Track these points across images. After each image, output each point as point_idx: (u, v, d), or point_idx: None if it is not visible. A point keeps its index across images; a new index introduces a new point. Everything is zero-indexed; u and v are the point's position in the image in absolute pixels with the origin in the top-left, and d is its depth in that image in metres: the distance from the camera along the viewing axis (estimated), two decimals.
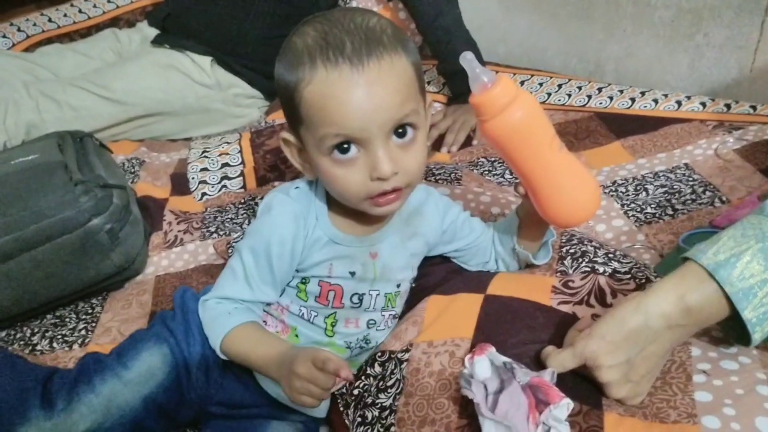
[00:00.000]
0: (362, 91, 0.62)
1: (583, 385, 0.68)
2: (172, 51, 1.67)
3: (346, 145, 0.65)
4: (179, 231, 1.23)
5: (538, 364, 0.70)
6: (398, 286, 0.83)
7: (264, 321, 0.80)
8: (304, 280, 0.77)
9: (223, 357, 0.76)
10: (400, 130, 0.66)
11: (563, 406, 0.58)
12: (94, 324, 1.04)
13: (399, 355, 0.79)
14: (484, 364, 0.64)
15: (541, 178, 0.73)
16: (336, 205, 0.75)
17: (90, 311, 1.07)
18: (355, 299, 0.79)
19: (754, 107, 1.33)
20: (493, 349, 0.66)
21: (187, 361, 0.80)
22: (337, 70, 0.62)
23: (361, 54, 0.63)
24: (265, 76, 1.72)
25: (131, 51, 1.80)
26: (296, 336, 0.80)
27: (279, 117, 1.63)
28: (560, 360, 0.66)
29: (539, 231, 0.84)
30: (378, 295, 0.80)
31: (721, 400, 0.64)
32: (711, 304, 0.62)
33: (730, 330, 0.66)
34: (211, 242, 1.18)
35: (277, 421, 0.81)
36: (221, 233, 1.20)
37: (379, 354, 0.81)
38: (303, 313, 0.79)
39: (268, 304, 0.80)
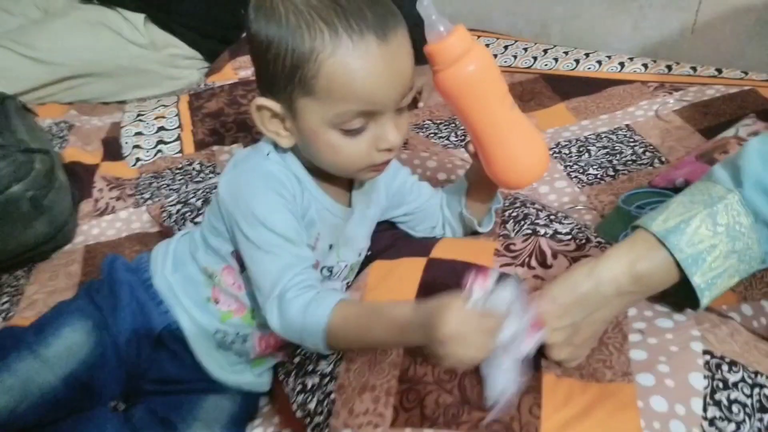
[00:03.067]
0: (389, 66, 0.60)
1: None
2: (101, 7, 1.58)
3: (361, 119, 0.63)
4: (111, 198, 1.17)
5: None
6: (359, 255, 0.82)
7: (215, 299, 0.76)
8: None
9: (328, 352, 0.68)
10: (404, 101, 0.65)
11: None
12: (18, 297, 0.98)
13: None
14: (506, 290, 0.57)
15: (491, 135, 0.72)
16: (315, 173, 0.72)
17: (14, 283, 1.01)
18: (326, 271, 0.77)
19: (694, 68, 1.35)
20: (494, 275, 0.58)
21: (115, 337, 0.75)
22: (364, 42, 0.59)
23: (384, 24, 0.60)
24: (205, 35, 1.65)
25: (57, 7, 1.69)
26: (252, 317, 0.76)
27: (220, 79, 1.57)
28: None
29: (487, 196, 0.83)
30: (345, 266, 0.79)
31: (656, 357, 0.65)
32: (661, 271, 0.62)
33: (677, 295, 0.66)
34: (145, 209, 1.13)
35: (214, 395, 0.77)
36: (156, 199, 1.15)
37: None
38: None
39: (211, 277, 0.75)
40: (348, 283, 0.83)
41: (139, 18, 1.57)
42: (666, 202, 0.67)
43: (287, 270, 0.65)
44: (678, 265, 0.62)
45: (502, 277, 0.58)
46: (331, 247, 0.76)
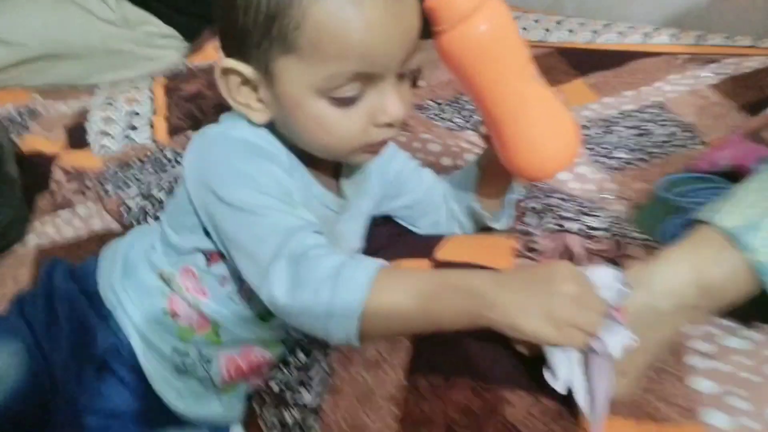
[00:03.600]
0: (394, 15, 0.50)
1: None
2: None
3: (357, 84, 0.51)
4: (69, 191, 1.03)
5: (502, 346, 0.56)
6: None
7: (173, 311, 0.62)
8: None
9: (357, 343, 0.47)
10: (408, 64, 0.53)
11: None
12: None
13: None
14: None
15: (507, 112, 0.58)
16: (297, 155, 0.59)
17: None
18: None
19: (728, 38, 1.20)
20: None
21: (50, 362, 0.63)
22: None
23: None
24: (183, 11, 1.50)
25: None
26: (216, 335, 0.63)
27: (201, 59, 1.44)
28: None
29: (502, 186, 0.70)
30: None
31: (728, 388, 0.52)
32: (735, 279, 0.49)
33: (750, 305, 0.53)
34: (103, 203, 0.99)
35: (174, 430, 0.64)
36: (120, 192, 1.01)
37: (303, 337, 0.67)
38: (231, 295, 0.61)
39: (168, 283, 0.62)
40: None
41: None
42: (730, 192, 0.53)
43: (298, 230, 0.50)
44: (757, 270, 0.48)
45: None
46: None
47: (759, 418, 0.49)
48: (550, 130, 0.60)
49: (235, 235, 0.53)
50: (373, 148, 0.57)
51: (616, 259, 0.65)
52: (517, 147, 0.61)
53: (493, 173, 0.68)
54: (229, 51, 0.55)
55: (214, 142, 0.57)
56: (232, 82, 0.54)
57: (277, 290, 0.48)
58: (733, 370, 0.53)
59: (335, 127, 0.53)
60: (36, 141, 1.17)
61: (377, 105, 0.53)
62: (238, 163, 0.54)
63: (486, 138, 0.65)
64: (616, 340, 0.45)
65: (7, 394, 0.61)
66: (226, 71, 0.54)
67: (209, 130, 0.59)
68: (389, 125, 0.54)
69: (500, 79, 0.58)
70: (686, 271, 0.50)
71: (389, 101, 0.53)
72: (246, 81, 0.54)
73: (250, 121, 0.58)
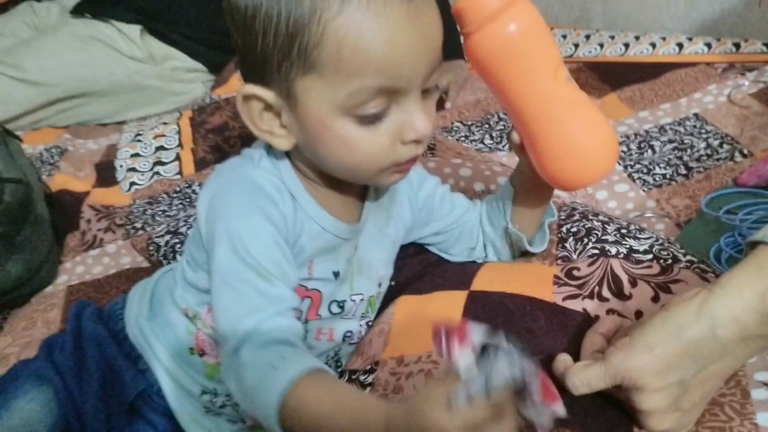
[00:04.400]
0: (416, 28, 0.48)
1: (607, 411, 0.52)
2: (94, 21, 1.47)
3: (381, 100, 0.49)
4: (99, 230, 1.03)
5: (547, 380, 0.52)
6: (379, 285, 0.68)
7: (200, 349, 0.61)
8: None
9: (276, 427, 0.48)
10: (431, 80, 0.52)
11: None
12: None
13: (362, 378, 0.62)
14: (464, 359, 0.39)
15: (540, 116, 0.56)
16: (310, 182, 0.58)
17: None
18: (335, 307, 0.62)
19: (767, 45, 1.16)
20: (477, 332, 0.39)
21: (80, 407, 0.61)
22: None
23: None
24: (208, 45, 1.52)
25: (49, 24, 1.58)
26: None
27: (227, 91, 1.44)
28: (585, 378, 0.49)
29: (539, 203, 0.67)
30: (362, 300, 0.65)
31: None
32: None
33: None
34: (131, 240, 0.98)
35: None
36: (149, 229, 1.00)
37: (338, 375, 0.64)
38: None
39: (193, 321, 0.61)
40: (368, 322, 0.67)
41: (135, 30, 1.45)
42: None
43: (249, 315, 0.50)
44: None
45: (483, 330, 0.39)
46: (337, 275, 0.61)
47: None
48: (587, 134, 0.57)
49: (213, 300, 0.54)
50: (402, 168, 0.55)
51: (664, 283, 0.61)
52: (551, 153, 0.58)
53: (527, 190, 0.66)
54: (250, 78, 0.53)
55: (231, 187, 0.56)
56: (254, 109, 0.53)
57: (228, 383, 0.51)
58: None
59: (361, 146, 0.51)
60: (66, 180, 1.18)
61: (403, 121, 0.51)
62: (237, 223, 0.53)
63: (518, 148, 0.62)
64: (543, 420, 0.39)
65: None
66: (248, 98, 0.52)
67: (232, 171, 0.58)
68: (416, 142, 0.52)
69: (532, 80, 0.55)
70: (750, 297, 0.45)
71: (416, 116, 0.51)
72: (268, 107, 0.52)
73: (269, 153, 0.57)
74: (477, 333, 0.38)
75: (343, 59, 0.47)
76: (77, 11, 1.50)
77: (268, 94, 0.52)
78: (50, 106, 1.44)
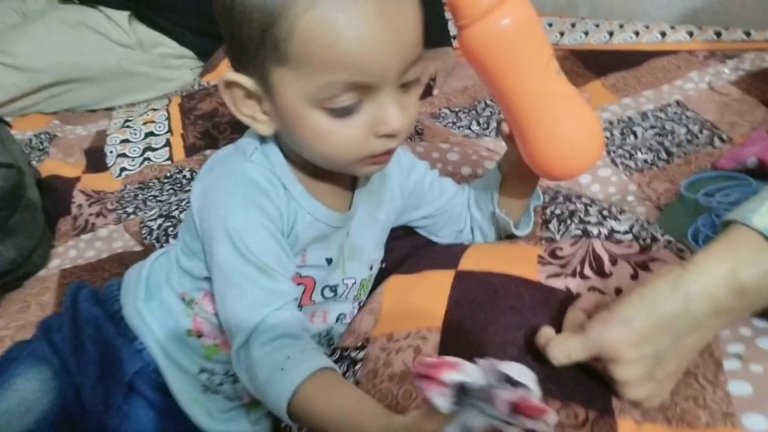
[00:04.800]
0: (387, 22, 0.48)
1: (586, 381, 0.54)
2: (82, 6, 1.47)
3: (352, 94, 0.50)
4: (90, 214, 1.04)
5: (530, 354, 0.56)
6: (371, 268, 0.70)
7: (198, 331, 0.63)
8: None
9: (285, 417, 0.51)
10: (408, 75, 0.52)
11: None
12: None
13: (353, 354, 0.64)
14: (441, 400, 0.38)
15: (531, 108, 0.58)
16: (301, 173, 0.59)
17: None
18: (328, 292, 0.64)
19: (747, 33, 1.19)
20: (459, 369, 0.38)
21: (78, 386, 0.62)
22: None
23: None
24: (197, 31, 1.52)
25: (37, 10, 1.58)
26: None
27: (216, 78, 1.44)
28: (566, 349, 0.51)
29: (526, 190, 0.69)
30: (354, 283, 0.67)
31: (765, 391, 0.50)
32: None
33: None
34: (123, 225, 0.99)
35: None
36: (141, 214, 1.01)
37: (330, 353, 0.66)
38: None
39: (190, 305, 0.63)
40: (360, 303, 0.69)
41: (123, 16, 1.45)
42: (763, 189, 0.51)
43: (256, 310, 0.52)
44: None
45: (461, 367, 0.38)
46: (330, 261, 0.63)
47: None
48: (575, 127, 0.59)
49: (216, 296, 0.57)
50: (377, 159, 0.55)
51: (643, 262, 0.64)
52: (540, 144, 0.60)
53: (515, 177, 0.68)
54: (234, 65, 0.55)
55: (225, 183, 0.57)
56: (237, 95, 0.54)
57: (240, 376, 0.54)
58: (767, 371, 0.51)
59: (333, 137, 0.52)
60: (56, 165, 1.18)
61: (377, 116, 0.51)
62: (234, 221, 0.55)
63: (508, 138, 0.64)
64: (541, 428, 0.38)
65: (38, 421, 0.61)
66: (230, 84, 0.53)
67: (225, 165, 0.59)
68: (390, 136, 0.53)
69: (523, 73, 0.57)
70: (722, 273, 0.47)
71: (388, 112, 0.51)
72: (250, 94, 0.54)
73: (262, 145, 0.58)
74: (454, 372, 0.37)
75: (312, 54, 0.48)
76: None
77: (248, 82, 0.53)
78: (39, 92, 1.44)
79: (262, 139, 0.59)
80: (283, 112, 0.52)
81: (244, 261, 0.53)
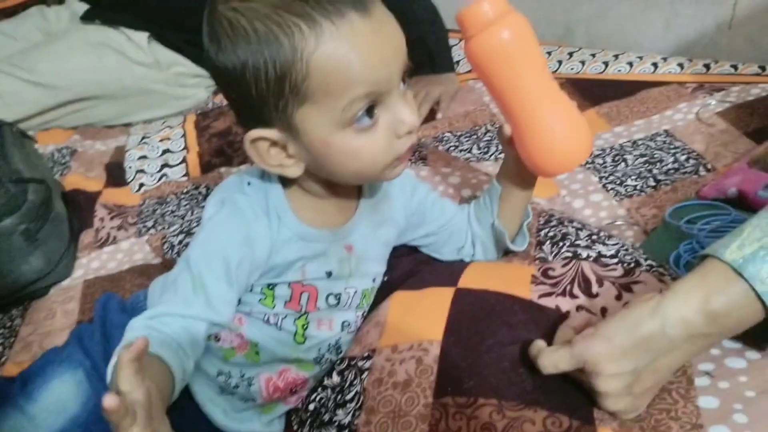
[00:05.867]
0: (381, 39, 0.55)
1: (571, 393, 0.59)
2: (104, 27, 1.52)
3: (371, 106, 0.56)
4: (112, 227, 1.10)
5: (521, 367, 0.61)
6: (373, 280, 0.75)
7: (215, 335, 0.68)
8: (271, 286, 0.66)
9: None
10: (403, 76, 0.59)
11: None
12: (12, 339, 0.91)
13: (359, 363, 0.69)
14: None
15: (528, 109, 0.66)
16: (297, 197, 0.65)
17: (8, 324, 0.95)
18: (332, 299, 0.69)
19: (735, 66, 1.24)
20: None
21: (108, 388, 0.67)
22: (347, 21, 0.53)
23: None
24: None
25: (59, 29, 1.64)
26: (256, 353, 0.68)
27: None
28: (554, 359, 0.57)
29: (522, 200, 0.76)
30: (355, 293, 0.72)
31: (730, 405, 0.56)
32: (740, 307, 0.52)
33: (758, 331, 0.56)
34: (146, 239, 1.05)
35: None
36: (160, 228, 1.08)
37: (338, 362, 0.72)
38: (268, 318, 0.68)
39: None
40: (363, 313, 0.75)
41: (142, 37, 1.51)
42: (739, 227, 0.57)
43: (168, 305, 0.58)
44: (760, 299, 0.52)
45: None
46: (330, 274, 0.68)
47: (755, 429, 0.52)
48: (568, 125, 0.67)
49: (176, 266, 0.62)
50: (402, 159, 0.61)
51: (627, 284, 0.69)
52: (537, 140, 0.67)
53: (512, 185, 0.74)
54: (250, 122, 0.58)
55: (214, 201, 0.64)
56: (262, 148, 0.59)
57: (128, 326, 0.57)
58: (732, 387, 0.57)
59: (365, 151, 0.58)
60: (78, 179, 1.24)
61: (393, 118, 0.57)
62: (211, 234, 0.61)
63: (507, 141, 0.71)
64: None
65: (71, 420, 0.66)
66: (255, 140, 0.58)
67: (223, 190, 0.65)
68: (409, 133, 0.59)
69: (521, 76, 0.64)
70: (695, 300, 0.52)
71: (402, 111, 0.57)
72: (274, 143, 0.58)
73: (260, 178, 0.64)
74: None
75: (330, 83, 0.53)
76: (87, 17, 1.56)
77: (271, 133, 0.57)
78: (60, 108, 1.49)
79: (262, 174, 0.64)
80: (313, 146, 0.57)
81: (194, 270, 0.59)
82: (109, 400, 0.39)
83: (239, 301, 0.66)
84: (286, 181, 0.65)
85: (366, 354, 0.69)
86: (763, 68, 1.22)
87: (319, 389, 0.71)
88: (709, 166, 1.01)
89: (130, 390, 0.42)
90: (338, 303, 0.70)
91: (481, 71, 0.66)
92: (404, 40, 0.57)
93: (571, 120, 0.67)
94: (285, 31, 0.52)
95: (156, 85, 1.55)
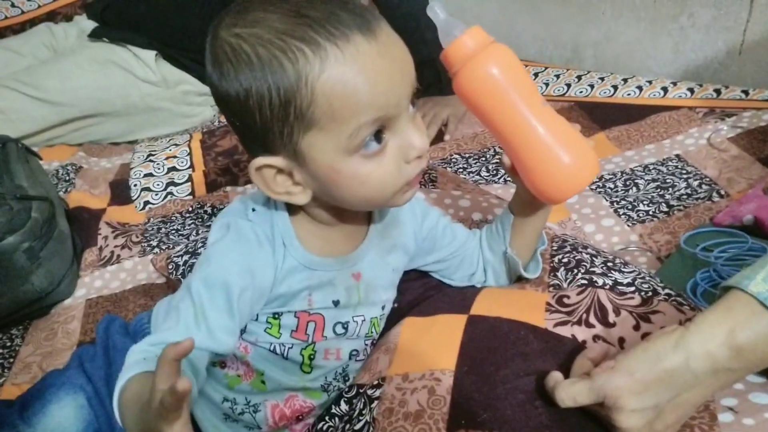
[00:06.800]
0: (388, 61, 0.53)
1: (589, 428, 0.57)
2: (111, 45, 1.52)
3: (380, 131, 0.54)
4: (116, 246, 1.09)
5: (538, 399, 0.59)
6: (383, 308, 0.72)
7: (221, 362, 0.66)
8: (276, 315, 0.64)
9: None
10: (412, 99, 0.57)
11: None
12: (11, 359, 0.89)
13: (369, 392, 0.67)
14: None
15: (522, 138, 0.63)
16: (303, 225, 0.63)
17: (8, 344, 0.93)
18: (339, 328, 0.67)
19: (746, 92, 1.24)
20: None
21: (109, 414, 0.66)
22: (353, 44, 0.51)
23: (365, 19, 0.52)
24: None
25: (67, 46, 1.64)
26: (262, 383, 0.66)
27: None
28: (572, 393, 0.55)
29: (534, 228, 0.73)
30: (363, 321, 0.69)
31: None
32: (766, 342, 0.50)
33: None
34: (151, 259, 1.03)
35: None
36: (164, 247, 1.06)
37: (347, 390, 0.70)
38: (274, 347, 0.65)
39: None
40: (373, 341, 0.73)
41: (150, 55, 1.51)
42: (763, 257, 0.55)
43: (167, 335, 0.55)
44: None
45: None
46: (337, 303, 0.66)
47: None
48: (567, 149, 0.63)
49: (179, 291, 0.60)
50: (412, 184, 0.59)
51: (645, 314, 0.68)
52: (537, 170, 0.64)
53: (524, 214, 0.72)
54: (255, 150, 0.57)
55: (219, 227, 0.62)
56: (268, 176, 0.57)
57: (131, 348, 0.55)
58: (759, 424, 0.55)
59: (373, 178, 0.56)
60: (82, 197, 1.23)
61: (402, 143, 0.55)
62: (224, 263, 0.58)
63: (511, 170, 0.68)
64: None
65: None
66: (260, 168, 0.56)
67: (226, 216, 0.63)
68: (419, 158, 0.57)
69: (510, 106, 0.62)
70: (719, 333, 0.51)
71: (411, 135, 0.56)
72: (280, 171, 0.57)
73: (265, 204, 0.62)
74: None
75: (336, 108, 0.52)
76: (95, 35, 1.56)
77: (277, 160, 0.56)
78: (65, 125, 1.49)
79: (268, 198, 0.62)
80: (320, 173, 0.56)
81: (208, 299, 0.56)
82: (185, 382, 0.39)
83: (245, 330, 0.64)
84: (292, 208, 0.63)
85: (376, 382, 0.67)
86: None
87: (327, 417, 0.69)
88: (722, 192, 1.00)
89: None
90: (346, 332, 0.68)
91: (471, 105, 0.64)
92: (412, 62, 0.56)
93: (570, 142, 0.64)
94: (289, 56, 0.51)
95: (162, 102, 1.55)
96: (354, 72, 0.51)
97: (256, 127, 0.54)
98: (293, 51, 0.51)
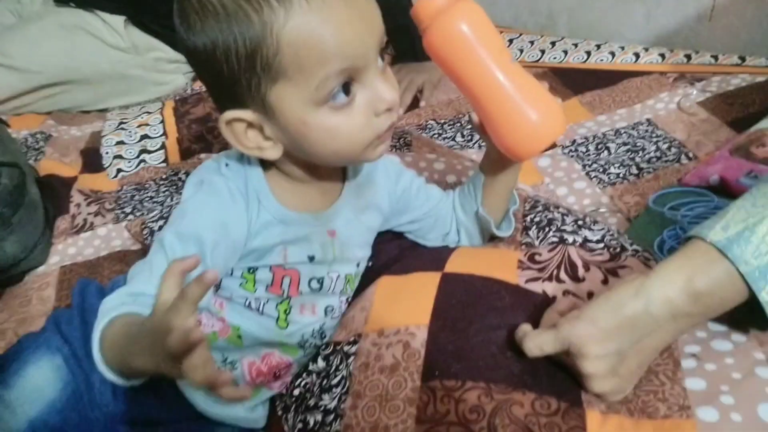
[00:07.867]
0: (355, 11, 0.53)
1: (558, 376, 0.59)
2: (78, 10, 1.48)
3: (348, 83, 0.54)
4: (89, 213, 1.07)
5: (509, 350, 0.61)
6: (357, 265, 0.74)
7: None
8: (251, 270, 0.65)
9: (106, 372, 0.54)
10: (381, 53, 0.57)
11: None
12: None
13: (345, 348, 0.68)
14: None
15: (491, 94, 0.64)
16: (277, 180, 0.63)
17: None
18: (315, 284, 0.68)
19: (715, 57, 1.26)
20: None
21: (87, 374, 0.66)
22: None
23: None
24: None
25: (33, 12, 1.59)
26: (239, 337, 0.67)
27: None
28: (539, 342, 0.57)
29: (504, 189, 0.74)
30: (338, 277, 0.70)
31: (717, 386, 0.56)
32: (723, 288, 0.52)
33: (742, 313, 0.57)
34: (125, 225, 1.03)
35: None
36: (138, 214, 1.05)
37: (323, 347, 0.71)
38: (250, 302, 0.66)
39: None
40: (348, 299, 0.74)
41: (119, 20, 1.47)
42: (724, 209, 0.57)
43: (144, 284, 0.56)
44: (743, 279, 0.52)
45: None
46: (312, 259, 0.67)
47: (742, 410, 0.53)
48: (532, 106, 0.63)
49: (152, 245, 0.61)
50: (383, 138, 0.59)
51: (613, 269, 0.70)
52: (505, 126, 0.65)
53: (495, 173, 0.73)
54: (225, 104, 0.57)
55: (192, 183, 0.63)
56: (238, 130, 0.57)
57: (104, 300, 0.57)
58: (719, 369, 0.57)
59: (343, 130, 0.56)
60: (53, 165, 1.21)
61: (371, 96, 0.56)
62: (197, 217, 0.59)
63: (480, 128, 0.69)
64: None
65: (48, 406, 0.64)
66: (230, 122, 0.56)
67: (199, 172, 0.64)
68: (389, 110, 0.57)
69: (479, 63, 0.62)
70: (678, 280, 0.53)
71: (380, 87, 0.56)
72: (250, 125, 0.57)
73: (239, 160, 0.62)
74: None
75: (302, 57, 0.52)
76: (61, 0, 1.52)
77: (246, 114, 0.56)
78: (33, 93, 1.45)
79: (241, 155, 0.62)
80: (289, 126, 0.56)
81: (181, 251, 0.57)
82: (213, 273, 0.43)
83: (220, 285, 0.65)
84: (265, 164, 0.63)
85: (352, 339, 0.68)
86: (742, 59, 1.24)
87: (304, 374, 0.70)
88: (690, 155, 1.02)
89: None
90: (321, 288, 0.69)
91: (440, 61, 0.64)
92: (380, 15, 0.56)
93: (537, 99, 0.64)
94: (254, 6, 0.51)
95: (133, 70, 1.52)
96: (319, 21, 0.51)
97: (225, 79, 0.54)
98: (258, 1, 0.50)
